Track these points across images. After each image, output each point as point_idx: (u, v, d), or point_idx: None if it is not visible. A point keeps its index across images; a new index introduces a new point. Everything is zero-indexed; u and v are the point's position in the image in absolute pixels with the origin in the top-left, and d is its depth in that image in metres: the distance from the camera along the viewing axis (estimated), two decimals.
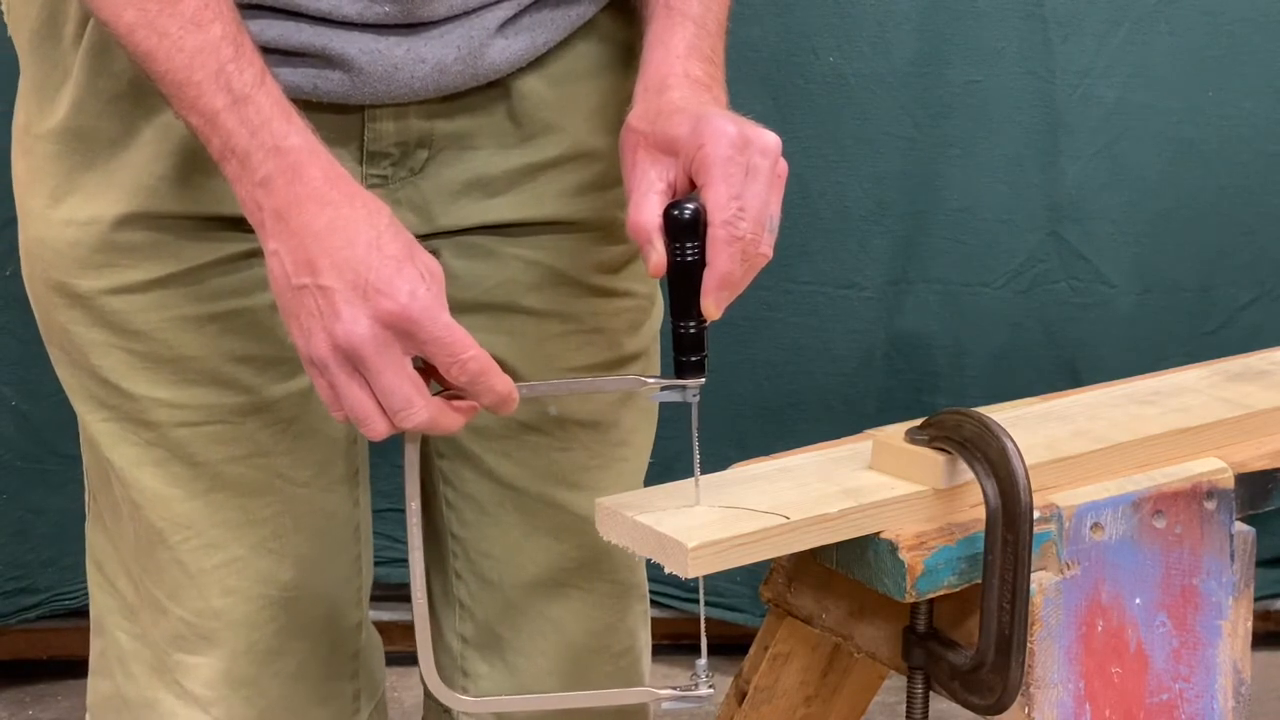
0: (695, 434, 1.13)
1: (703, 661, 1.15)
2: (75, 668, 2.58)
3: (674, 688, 1.16)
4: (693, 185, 1.10)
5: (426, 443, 1.34)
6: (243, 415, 1.22)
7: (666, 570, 1.07)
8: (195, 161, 1.15)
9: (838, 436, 1.26)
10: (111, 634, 1.30)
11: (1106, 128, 2.35)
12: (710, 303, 1.07)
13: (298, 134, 1.06)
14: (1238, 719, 1.18)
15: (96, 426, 1.23)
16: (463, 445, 1.33)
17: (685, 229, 1.06)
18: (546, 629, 1.36)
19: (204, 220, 1.19)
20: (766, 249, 1.09)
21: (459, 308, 1.28)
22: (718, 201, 1.07)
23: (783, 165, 1.10)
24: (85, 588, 2.42)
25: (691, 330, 1.09)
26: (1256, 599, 1.40)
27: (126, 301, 1.19)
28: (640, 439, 1.38)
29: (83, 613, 2.45)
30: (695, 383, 1.10)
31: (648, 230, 1.08)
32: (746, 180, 1.07)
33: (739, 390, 2.37)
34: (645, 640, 1.43)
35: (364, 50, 1.15)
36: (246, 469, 1.23)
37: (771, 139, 1.09)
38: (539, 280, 1.28)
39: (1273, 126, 2.39)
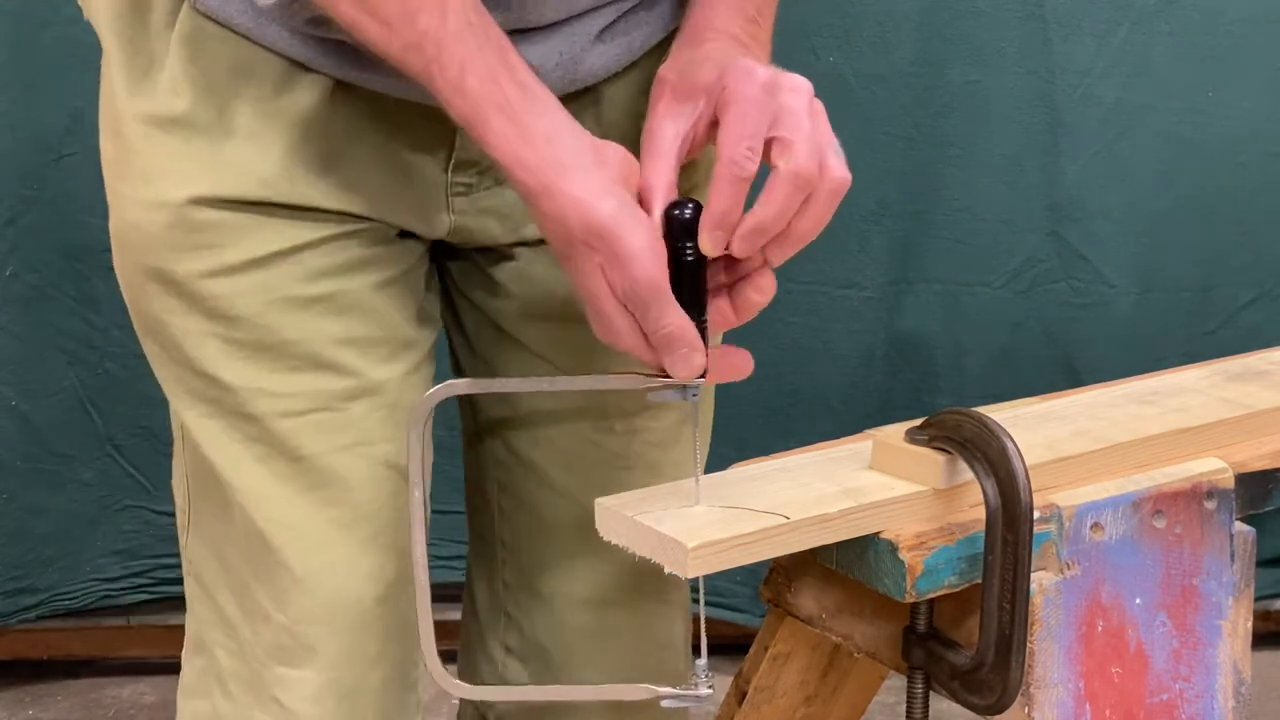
0: (696, 434, 1.13)
1: (702, 661, 1.15)
2: (75, 668, 2.59)
3: (673, 687, 1.16)
4: (713, 130, 1.08)
5: (480, 448, 1.32)
6: (348, 400, 1.19)
7: (667, 570, 1.07)
8: (297, 154, 1.15)
9: (838, 436, 1.26)
10: (211, 651, 1.26)
11: (1106, 128, 2.36)
12: (705, 239, 1.05)
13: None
14: (1238, 719, 1.18)
15: (196, 424, 1.20)
16: (525, 454, 1.31)
17: (685, 229, 1.06)
18: (598, 647, 1.34)
19: (299, 209, 1.17)
20: (840, 172, 1.05)
21: (542, 315, 1.27)
22: (728, 138, 1.05)
23: (818, 104, 1.07)
24: (85, 587, 2.45)
25: None
26: (1256, 599, 1.40)
27: (226, 285, 1.17)
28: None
29: (82, 613, 2.48)
30: (696, 383, 1.10)
31: (651, 198, 1.07)
32: (781, 119, 1.04)
33: (739, 390, 2.36)
34: (689, 656, 1.40)
35: None
36: (352, 459, 1.20)
37: (802, 80, 1.07)
38: None
39: (1273, 126, 2.39)
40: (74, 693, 2.53)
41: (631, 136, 1.21)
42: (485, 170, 1.21)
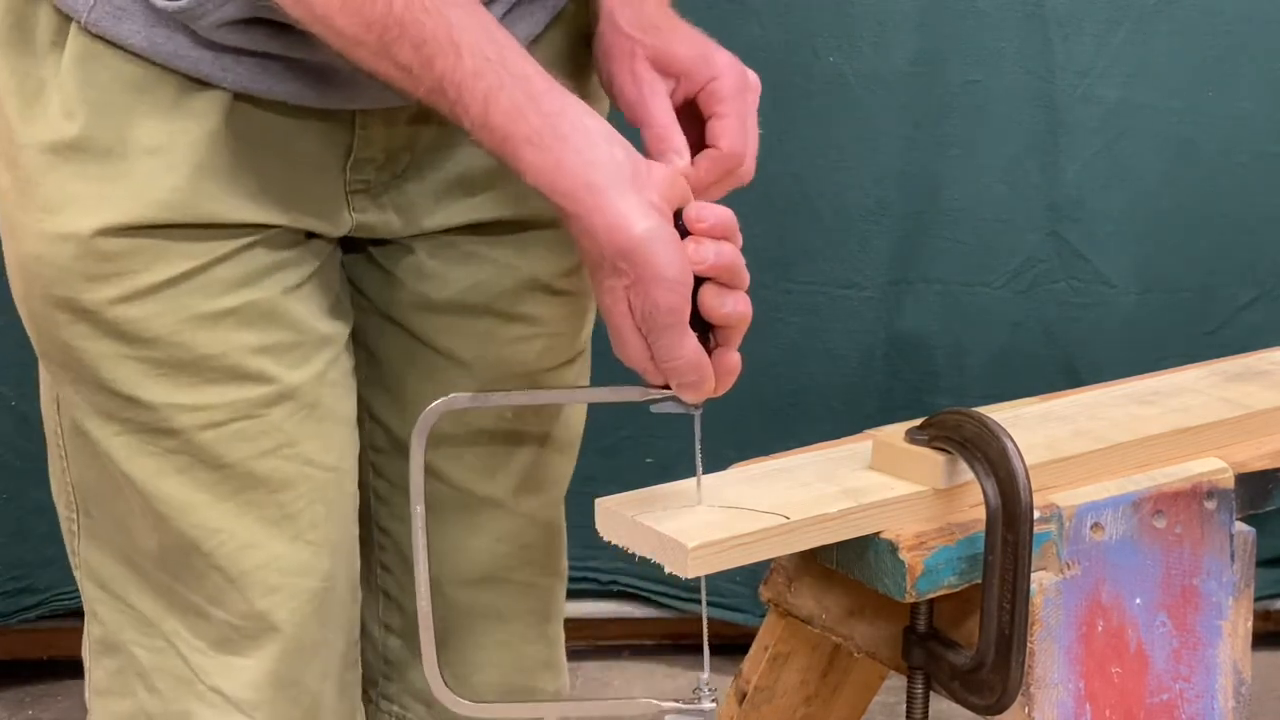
0: (698, 436, 1.13)
1: (705, 675, 1.13)
2: (75, 668, 2.56)
3: (676, 700, 1.15)
4: (688, 108, 1.16)
5: (360, 434, 1.31)
6: (267, 406, 1.20)
7: (667, 570, 1.07)
8: (201, 171, 1.14)
9: (838, 436, 1.26)
10: (128, 651, 1.27)
11: (1106, 128, 2.36)
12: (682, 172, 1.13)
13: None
14: (1238, 719, 1.18)
15: (108, 441, 1.21)
16: (403, 439, 1.31)
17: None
18: (486, 624, 1.36)
19: (205, 227, 1.17)
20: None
21: (434, 307, 1.28)
22: (734, 135, 1.15)
23: None
24: None
25: None
26: (1256, 599, 1.41)
27: (139, 309, 1.16)
28: (577, 433, 1.39)
29: (82, 613, 2.47)
30: None
31: (675, 138, 1.13)
32: (750, 119, 1.16)
33: (739, 390, 2.37)
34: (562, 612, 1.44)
35: None
36: (277, 461, 1.21)
37: (757, 80, 1.19)
38: (514, 284, 1.28)
39: (1273, 126, 2.39)
40: (74, 693, 2.53)
41: None
42: (383, 165, 1.21)
